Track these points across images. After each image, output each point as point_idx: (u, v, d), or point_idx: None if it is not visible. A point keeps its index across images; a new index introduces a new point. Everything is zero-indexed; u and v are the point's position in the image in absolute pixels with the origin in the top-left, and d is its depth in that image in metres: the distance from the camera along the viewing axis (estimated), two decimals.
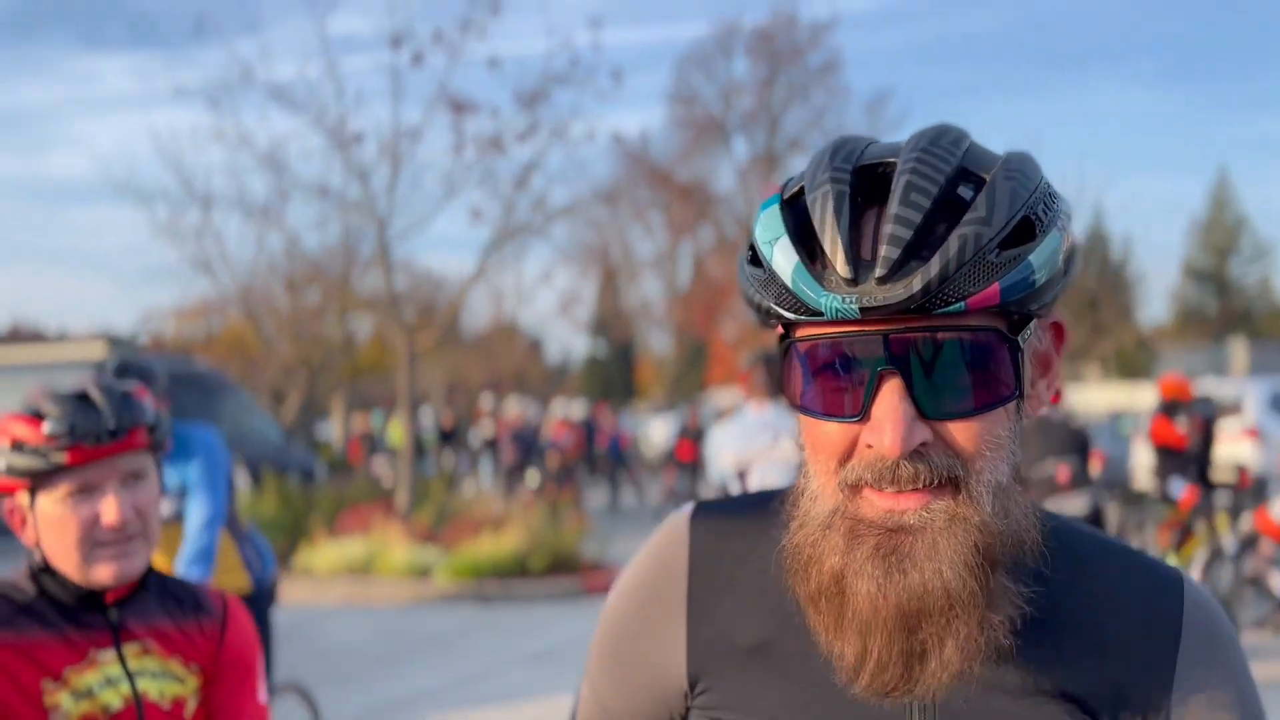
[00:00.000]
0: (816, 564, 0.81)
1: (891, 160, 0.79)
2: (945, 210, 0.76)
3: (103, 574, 1.44)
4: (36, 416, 1.43)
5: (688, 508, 0.99)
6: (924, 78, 53.77)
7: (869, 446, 0.78)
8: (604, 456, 18.06)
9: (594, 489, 18.84)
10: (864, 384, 0.77)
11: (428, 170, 13.18)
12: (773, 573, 0.88)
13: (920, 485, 0.77)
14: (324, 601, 9.20)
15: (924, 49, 53.05)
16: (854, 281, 0.75)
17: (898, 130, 36.43)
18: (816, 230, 0.78)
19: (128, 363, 3.53)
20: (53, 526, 1.42)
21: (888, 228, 0.74)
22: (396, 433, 14.05)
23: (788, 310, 0.78)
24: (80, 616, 1.46)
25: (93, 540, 1.42)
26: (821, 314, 0.76)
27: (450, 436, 20.74)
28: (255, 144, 12.97)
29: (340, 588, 9.39)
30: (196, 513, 3.44)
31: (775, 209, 0.82)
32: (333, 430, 25.41)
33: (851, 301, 0.74)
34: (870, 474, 0.78)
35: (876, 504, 0.79)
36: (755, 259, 0.82)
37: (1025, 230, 0.77)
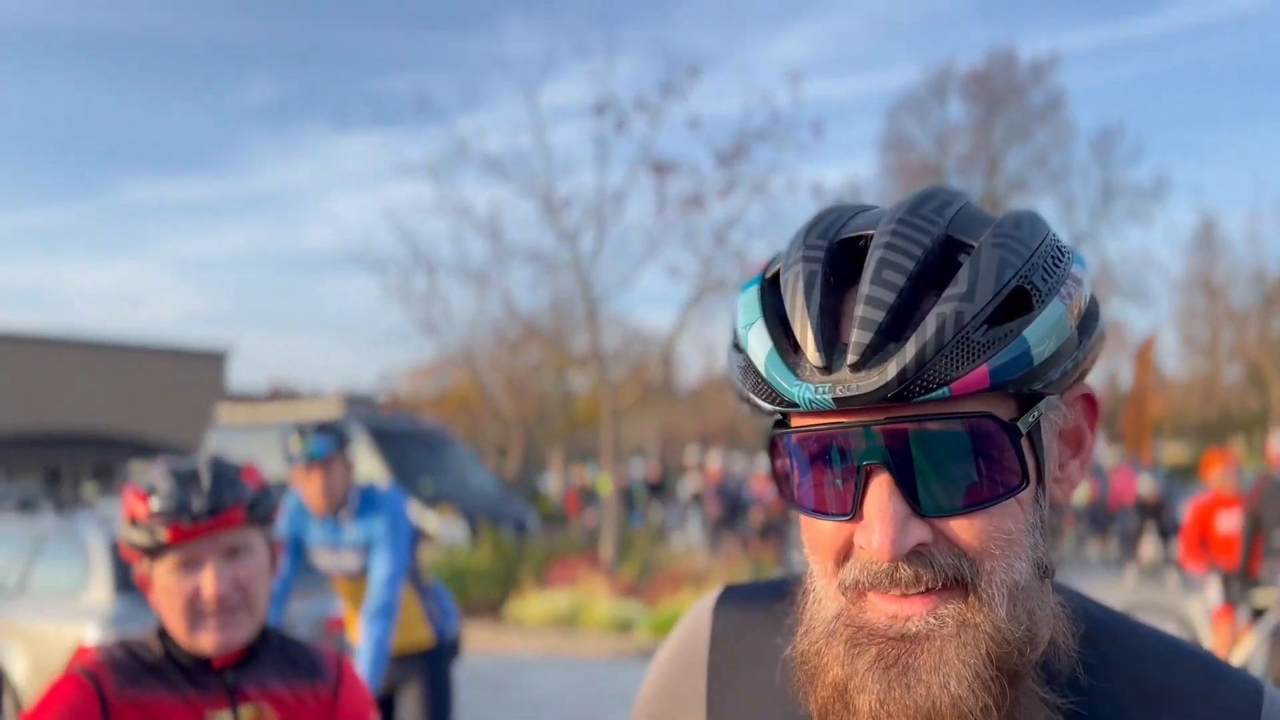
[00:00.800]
0: (821, 675, 0.75)
1: (872, 232, 0.73)
2: (926, 286, 0.70)
3: (205, 643, 1.53)
4: (148, 493, 1.55)
5: (716, 592, 0.95)
6: (1159, 110, 50.17)
7: (863, 547, 0.72)
8: None
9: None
10: (852, 479, 0.71)
11: (632, 230, 13.52)
12: (783, 673, 0.83)
13: (924, 588, 0.71)
14: (531, 652, 9.43)
15: (1156, 80, 49.57)
16: (827, 369, 0.69)
17: (1130, 167, 34.25)
18: (788, 314, 0.73)
19: (324, 424, 3.78)
20: (163, 596, 1.54)
21: (859, 309, 0.69)
22: (605, 485, 14.35)
23: (765, 400, 0.74)
24: (199, 678, 1.56)
25: (195, 611, 1.52)
26: (797, 405, 0.71)
27: (657, 489, 20.99)
28: (473, 212, 13.75)
29: (547, 639, 9.61)
30: (379, 568, 3.62)
31: (754, 290, 0.77)
32: (551, 482, 26.27)
33: (825, 391, 0.69)
34: (867, 576, 0.72)
35: (880, 609, 0.72)
36: (739, 344, 0.78)
37: (1019, 302, 0.69)
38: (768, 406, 0.74)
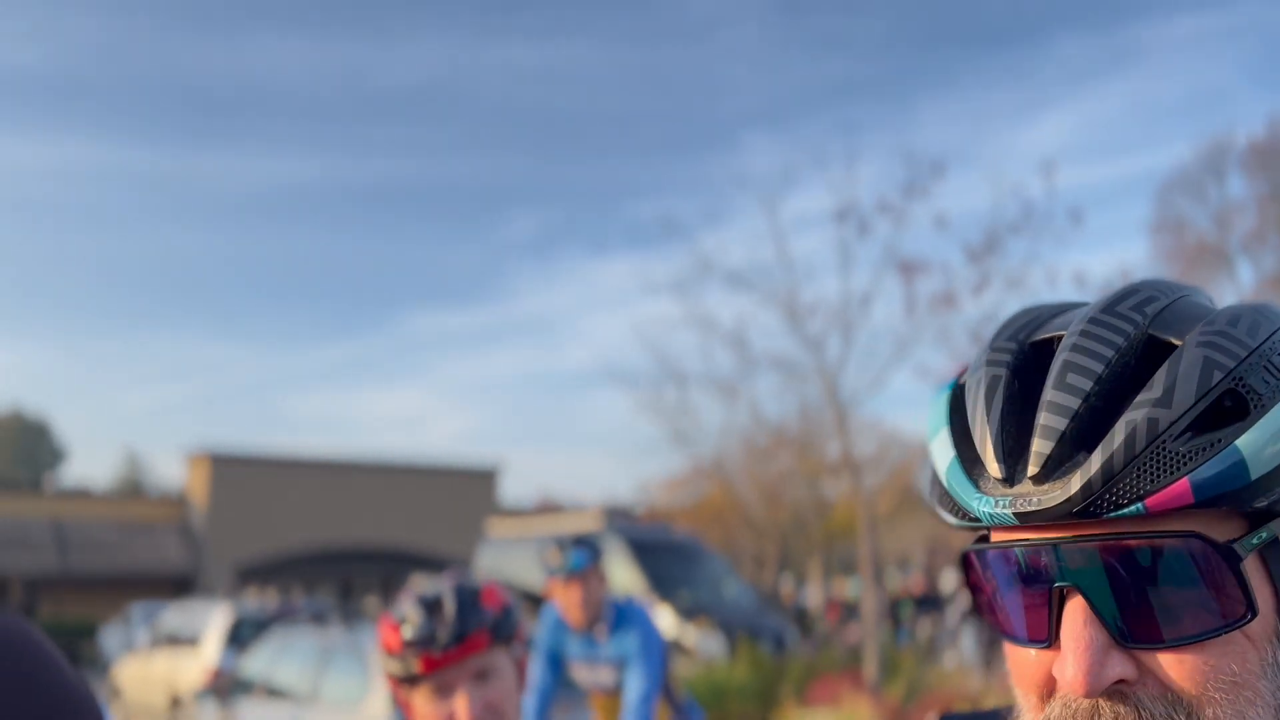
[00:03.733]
0: None
1: (1065, 333, 0.69)
2: (1123, 392, 0.64)
3: None
4: (399, 624, 1.62)
5: (932, 717, 0.89)
6: None
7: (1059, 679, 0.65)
8: None
9: None
10: (1046, 603, 0.65)
11: (880, 333, 13.25)
12: None
13: None
14: None
15: None
16: (1009, 481, 0.65)
17: None
18: (969, 421, 0.69)
19: (581, 537, 3.89)
20: None
21: (1040, 416, 0.64)
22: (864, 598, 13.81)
23: (949, 514, 0.70)
24: None
25: None
26: (979, 520, 0.67)
27: (924, 602, 19.87)
28: (719, 325, 13.98)
29: None
30: (635, 686, 3.62)
31: (945, 397, 0.74)
32: (809, 594, 25.57)
33: (1005, 505, 0.64)
34: (1067, 716, 0.64)
35: None
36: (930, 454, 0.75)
37: (1230, 408, 0.62)
38: (953, 520, 0.70)
